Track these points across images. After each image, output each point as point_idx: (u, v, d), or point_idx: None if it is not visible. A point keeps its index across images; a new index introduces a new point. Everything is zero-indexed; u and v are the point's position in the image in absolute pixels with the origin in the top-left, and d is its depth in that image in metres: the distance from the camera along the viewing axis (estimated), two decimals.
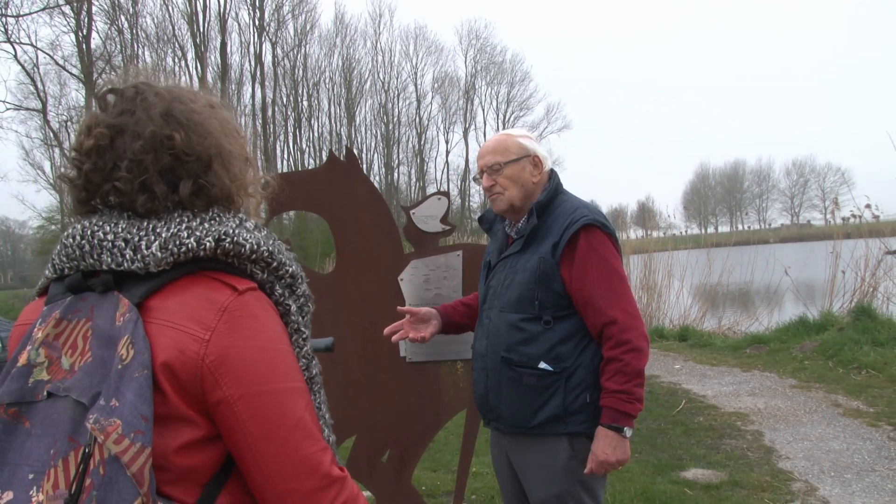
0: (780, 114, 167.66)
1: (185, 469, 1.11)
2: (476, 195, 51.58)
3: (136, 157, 1.20)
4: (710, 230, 75.37)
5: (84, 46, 30.58)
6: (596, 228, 2.41)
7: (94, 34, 31.40)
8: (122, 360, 1.07)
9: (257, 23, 40.43)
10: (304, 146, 47.55)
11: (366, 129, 49.75)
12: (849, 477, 4.89)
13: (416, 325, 2.78)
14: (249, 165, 1.34)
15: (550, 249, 2.41)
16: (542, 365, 2.41)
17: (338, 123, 48.65)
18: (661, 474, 4.99)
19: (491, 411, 2.56)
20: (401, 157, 50.63)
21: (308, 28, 43.91)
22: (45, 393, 1.11)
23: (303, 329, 1.29)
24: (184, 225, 1.18)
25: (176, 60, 37.28)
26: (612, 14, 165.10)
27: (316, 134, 48.10)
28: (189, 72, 36.53)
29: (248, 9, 40.32)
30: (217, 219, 1.22)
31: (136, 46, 34.74)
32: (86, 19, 30.71)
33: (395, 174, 49.59)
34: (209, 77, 36.40)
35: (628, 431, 2.35)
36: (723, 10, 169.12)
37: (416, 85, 50.48)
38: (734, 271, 13.81)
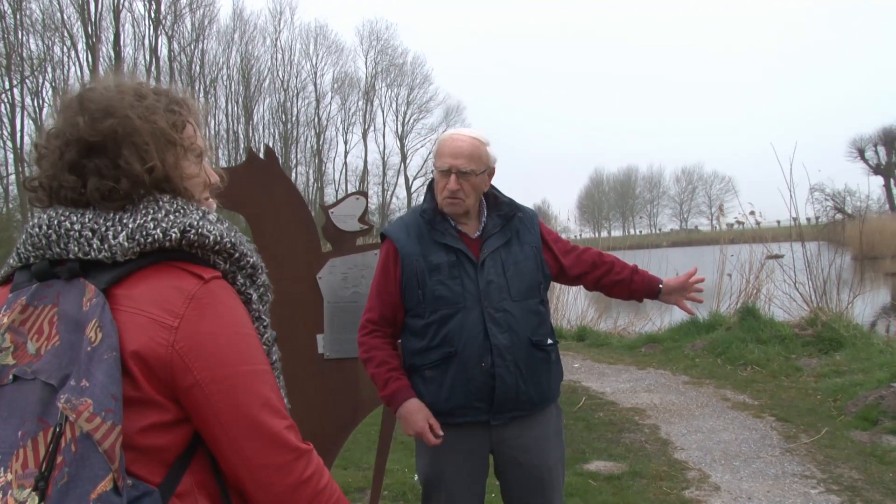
0: (670, 121, 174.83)
1: (151, 449, 1.15)
2: (374, 196, 51.46)
3: (56, 151, 1.25)
4: (604, 234, 77.89)
5: None
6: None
7: None
8: (91, 342, 1.10)
9: (153, 15, 39.07)
10: None
11: (263, 127, 48.84)
12: (737, 464, 5.22)
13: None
14: (189, 154, 1.33)
15: (536, 240, 2.71)
16: (549, 340, 2.66)
17: (235, 122, 47.56)
18: (566, 467, 5.18)
19: (517, 399, 2.55)
20: (299, 156, 49.96)
21: (206, 23, 42.69)
22: (10, 377, 1.13)
23: (263, 317, 1.35)
24: (150, 216, 1.22)
25: (65, 50, 35.62)
26: (516, 19, 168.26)
27: (212, 132, 46.79)
28: (80, 63, 35.01)
29: (144, 0, 38.98)
30: (182, 210, 1.26)
31: (20, 33, 33.00)
32: None
33: (294, 174, 48.81)
34: (100, 70, 34.96)
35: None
36: (622, 19, 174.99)
37: (315, 84, 49.92)
38: None
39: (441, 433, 2.51)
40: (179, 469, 1.19)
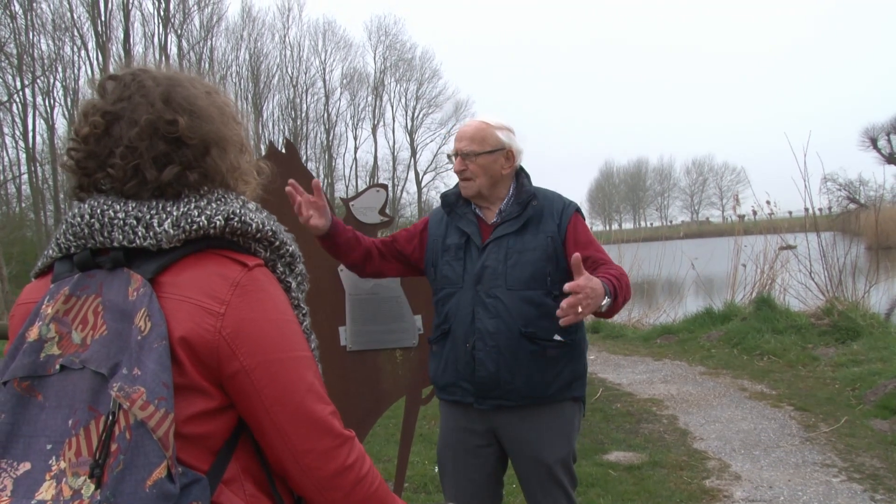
0: (681, 113, 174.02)
1: (197, 437, 1.16)
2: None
3: (131, 143, 1.23)
4: (615, 227, 77.57)
5: None
6: (578, 212, 2.75)
7: None
8: (141, 331, 1.11)
9: (162, 13, 39.11)
10: None
11: (273, 124, 48.73)
12: (757, 453, 5.22)
13: (313, 208, 2.61)
14: (245, 152, 1.38)
15: (556, 230, 2.64)
16: (557, 337, 2.59)
17: (245, 119, 47.34)
18: (585, 458, 5.19)
19: (499, 388, 2.59)
20: (309, 153, 49.90)
21: (215, 20, 42.62)
22: (57, 367, 1.14)
23: (302, 305, 1.36)
24: (192, 204, 1.24)
25: (75, 50, 35.69)
26: (521, 12, 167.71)
27: None
28: (90, 62, 35.10)
29: None
30: (223, 199, 1.27)
31: (31, 34, 33.10)
32: None
33: None
34: (111, 69, 34.89)
35: (605, 301, 2.29)
36: (624, 13, 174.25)
37: (324, 80, 49.69)
38: (643, 265, 14.35)
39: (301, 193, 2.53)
40: (225, 456, 1.21)
